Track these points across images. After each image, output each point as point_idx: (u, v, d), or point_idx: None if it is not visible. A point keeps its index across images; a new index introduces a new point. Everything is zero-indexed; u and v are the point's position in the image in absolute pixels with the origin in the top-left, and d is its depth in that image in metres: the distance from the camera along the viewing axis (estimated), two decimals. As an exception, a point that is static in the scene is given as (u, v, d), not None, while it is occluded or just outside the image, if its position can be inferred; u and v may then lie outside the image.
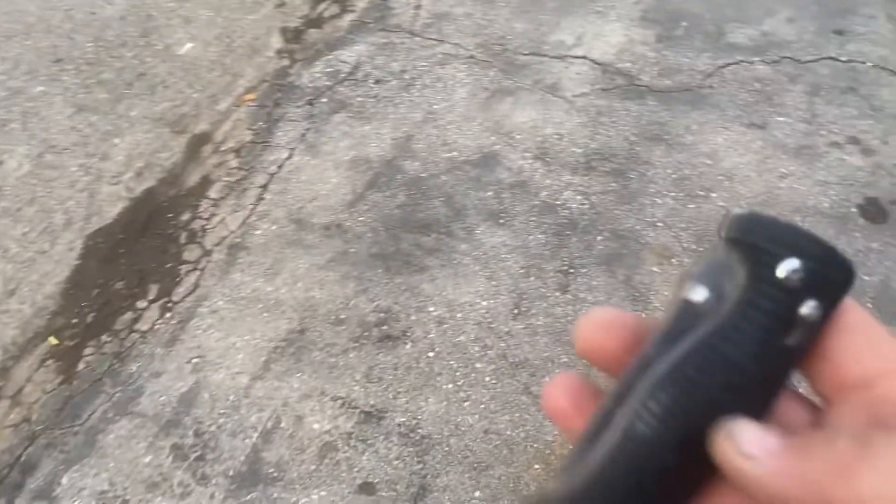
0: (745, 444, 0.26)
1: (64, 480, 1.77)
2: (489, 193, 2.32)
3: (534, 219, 2.24)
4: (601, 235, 2.18)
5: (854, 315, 0.28)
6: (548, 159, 2.41)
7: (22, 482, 1.77)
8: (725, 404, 0.27)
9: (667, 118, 2.51)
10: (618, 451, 0.27)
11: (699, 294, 0.29)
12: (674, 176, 2.32)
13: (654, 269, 2.09)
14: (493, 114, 2.59)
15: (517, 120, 2.56)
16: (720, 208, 2.21)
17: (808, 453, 0.26)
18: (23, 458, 1.81)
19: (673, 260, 2.10)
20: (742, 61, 2.69)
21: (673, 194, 2.27)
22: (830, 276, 0.27)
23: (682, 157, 2.37)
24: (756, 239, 0.27)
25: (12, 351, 2.04)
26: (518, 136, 2.50)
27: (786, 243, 0.27)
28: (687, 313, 0.29)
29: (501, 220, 2.24)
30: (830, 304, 0.27)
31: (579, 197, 2.29)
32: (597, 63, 2.75)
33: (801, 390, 0.29)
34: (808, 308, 0.26)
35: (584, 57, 2.77)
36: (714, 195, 2.25)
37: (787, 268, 0.27)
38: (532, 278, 2.09)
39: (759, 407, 0.28)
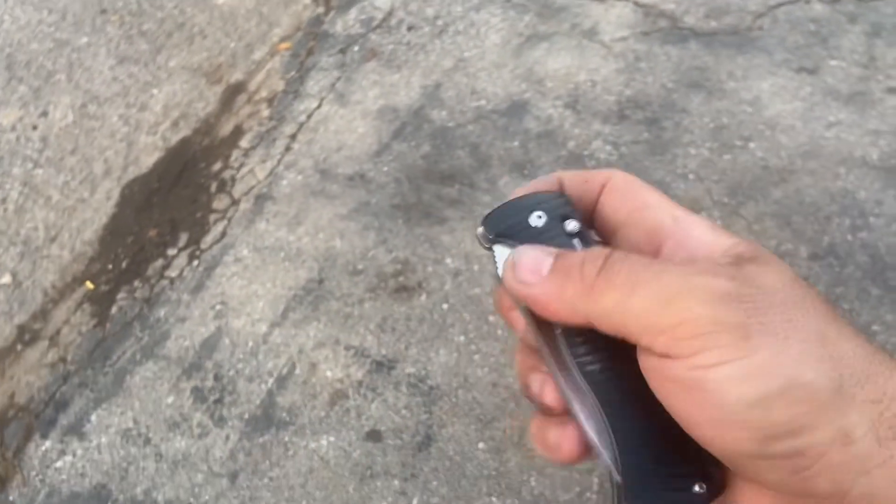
0: (521, 272, 0.34)
1: (93, 418, 1.88)
2: (515, 143, 2.26)
3: (559, 169, 2.17)
4: (628, 188, 2.10)
5: (615, 179, 0.38)
6: (578, 108, 2.32)
7: (55, 418, 1.88)
8: None
9: (709, 63, 2.37)
10: None
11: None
12: (711, 125, 2.20)
13: (682, 223, 2.00)
14: (526, 60, 2.50)
15: (550, 67, 2.47)
16: (758, 159, 2.09)
17: (566, 277, 0.33)
18: (57, 396, 1.93)
19: (702, 213, 2.00)
20: (798, 0, 2.49)
21: (708, 144, 2.15)
22: (557, 205, 0.38)
23: (721, 105, 2.24)
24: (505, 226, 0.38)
25: (52, 294, 2.16)
26: (549, 84, 2.41)
27: (529, 207, 0.38)
28: None
29: (526, 172, 2.19)
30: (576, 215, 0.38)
31: (608, 147, 2.20)
32: (639, 4, 2.60)
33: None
34: (570, 225, 0.37)
35: (625, -2, 2.63)
36: (752, 145, 2.12)
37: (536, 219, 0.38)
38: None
39: None
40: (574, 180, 0.39)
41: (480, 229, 0.39)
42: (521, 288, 0.34)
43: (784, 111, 2.18)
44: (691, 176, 2.09)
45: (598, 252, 0.33)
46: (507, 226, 0.38)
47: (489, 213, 0.38)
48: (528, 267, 0.34)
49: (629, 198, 0.37)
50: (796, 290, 0.31)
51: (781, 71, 2.28)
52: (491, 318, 1.90)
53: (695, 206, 2.02)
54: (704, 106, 2.24)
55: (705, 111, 2.23)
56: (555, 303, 0.33)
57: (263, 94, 2.63)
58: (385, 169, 2.28)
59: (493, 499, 1.64)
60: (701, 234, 0.35)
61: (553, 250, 0.35)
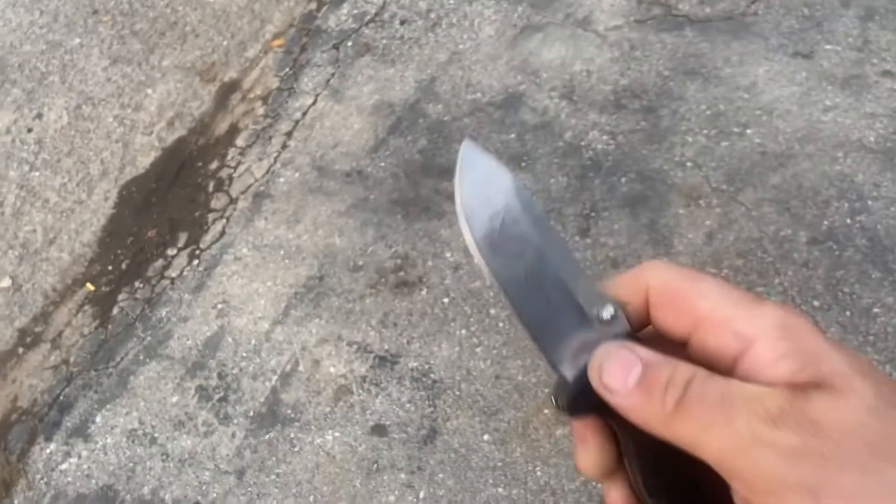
0: (609, 377, 0.34)
1: (98, 419, 1.88)
2: (512, 136, 2.26)
3: (556, 161, 2.17)
4: (626, 177, 2.10)
5: (654, 287, 0.37)
6: (574, 98, 2.32)
7: (60, 420, 1.89)
8: None
9: (705, 50, 2.37)
10: None
11: None
12: (708, 112, 2.20)
13: (681, 210, 2.01)
14: (521, 52, 2.50)
15: (545, 57, 2.46)
16: (756, 145, 2.09)
17: (650, 397, 0.33)
18: (61, 398, 1.93)
19: (701, 201, 2.01)
20: (791, -15, 2.49)
21: (706, 132, 2.16)
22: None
23: (718, 92, 2.24)
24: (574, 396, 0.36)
25: (52, 297, 2.16)
26: (545, 75, 2.41)
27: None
28: None
29: (523, 164, 2.19)
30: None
31: (605, 137, 2.21)
32: (632, -7, 2.59)
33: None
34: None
35: (619, -13, 2.63)
36: (750, 131, 2.12)
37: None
38: (552, 222, 2.04)
39: None
40: (619, 288, 0.39)
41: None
42: (604, 393, 0.35)
43: (781, 96, 2.18)
44: (689, 164, 2.09)
45: (682, 376, 0.33)
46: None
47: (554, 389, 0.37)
48: (616, 374, 0.34)
49: (680, 314, 0.36)
50: (872, 429, 0.28)
51: (777, 56, 2.28)
52: (492, 311, 1.90)
53: (693, 194, 2.03)
54: (701, 93, 2.24)
55: (702, 98, 2.23)
56: (634, 416, 0.34)
57: (258, 91, 2.63)
58: (382, 164, 2.28)
59: (500, 489, 1.65)
60: (764, 354, 0.32)
61: (640, 355, 0.34)
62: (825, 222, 1.92)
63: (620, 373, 0.34)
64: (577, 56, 2.44)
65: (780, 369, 0.31)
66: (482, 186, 0.38)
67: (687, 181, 2.06)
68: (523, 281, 0.37)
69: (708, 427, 0.31)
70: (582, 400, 0.35)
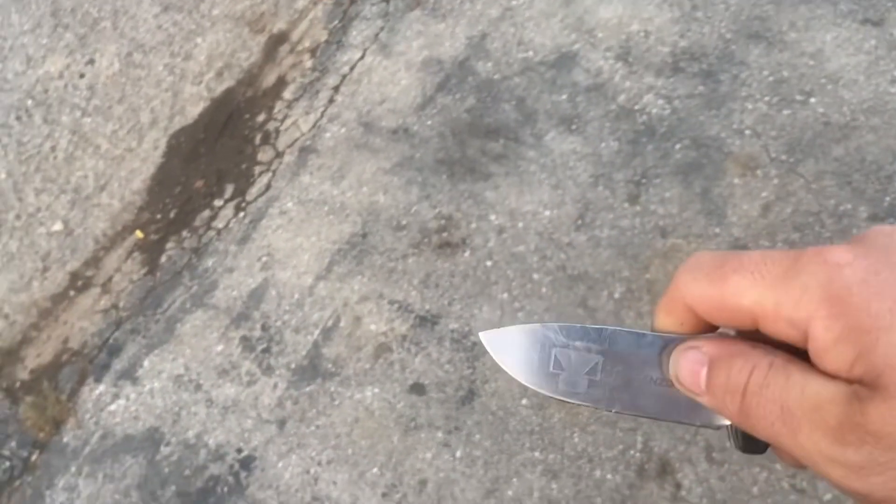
0: (685, 382, 0.35)
1: (145, 363, 1.93)
2: (563, 97, 2.21)
3: (608, 125, 2.12)
4: (680, 144, 2.04)
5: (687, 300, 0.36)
6: (630, 59, 2.25)
7: (109, 363, 1.94)
8: None
9: (770, 13, 2.26)
10: None
11: None
12: (770, 78, 2.11)
13: (736, 180, 1.94)
14: (576, 9, 2.42)
15: (602, 15, 2.38)
16: (819, 115, 2.00)
17: (722, 401, 0.33)
18: (110, 342, 1.99)
19: (758, 171, 1.95)
20: (868, -56, 2.35)
21: (767, 99, 2.07)
22: None
23: (782, 58, 2.14)
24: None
25: (103, 242, 2.20)
26: (600, 35, 2.33)
27: None
28: None
29: (573, 126, 2.14)
30: None
31: (661, 101, 2.14)
32: (696, -50, 2.48)
33: None
34: None
35: (682, -57, 2.51)
36: (813, 100, 2.03)
37: None
38: (600, 188, 2.00)
39: None
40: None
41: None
42: (692, 396, 0.35)
43: (847, 65, 2.08)
44: (748, 132, 2.01)
45: (737, 378, 0.32)
46: None
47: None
48: (689, 378, 0.35)
49: (733, 318, 0.34)
50: None
51: (846, 22, 2.17)
52: (535, 276, 1.88)
53: (750, 164, 1.96)
54: (764, 58, 2.15)
55: (765, 63, 2.13)
56: (725, 415, 0.34)
57: (306, 44, 2.60)
58: (429, 123, 2.25)
59: (536, 454, 1.65)
60: (821, 337, 0.30)
61: (706, 351, 0.34)
62: (887, 198, 1.84)
63: (692, 375, 0.34)
64: (634, 15, 2.35)
65: (837, 357, 0.29)
66: (523, 358, 0.39)
67: (744, 150, 1.99)
68: (624, 391, 0.37)
69: (775, 438, 0.31)
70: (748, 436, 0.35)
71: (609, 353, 0.37)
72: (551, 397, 0.38)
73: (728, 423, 0.35)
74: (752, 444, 0.35)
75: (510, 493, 1.62)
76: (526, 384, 0.38)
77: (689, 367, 0.34)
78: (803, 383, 0.30)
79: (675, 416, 0.37)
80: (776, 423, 0.30)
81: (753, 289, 0.31)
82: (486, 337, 0.39)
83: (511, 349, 0.39)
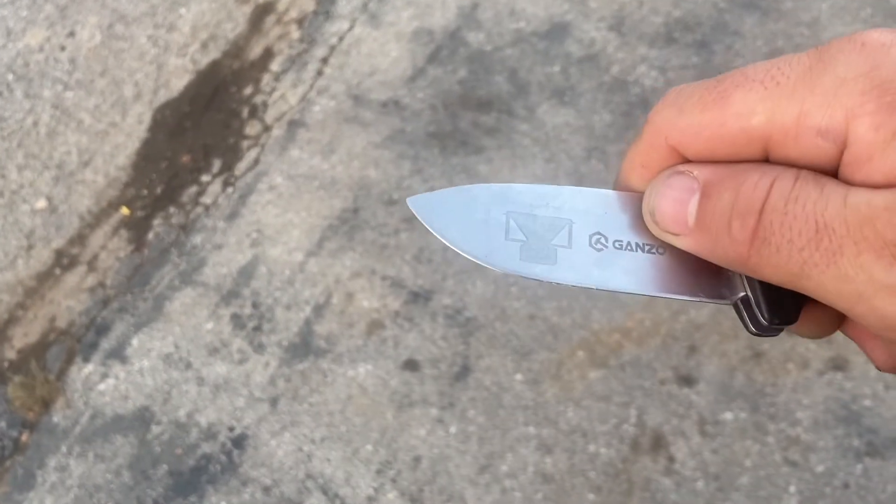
0: (664, 221, 0.27)
1: (134, 342, 1.91)
2: (556, 69, 2.17)
3: (601, 97, 2.09)
4: (674, 116, 2.01)
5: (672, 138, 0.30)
6: (623, 30, 2.21)
7: (97, 342, 1.92)
8: None
9: (765, -19, 2.22)
10: None
11: None
12: (765, 49, 2.08)
13: (730, 154, 1.93)
14: (568, -22, 2.37)
15: (594, -15, 2.34)
16: (814, 87, 1.98)
17: (716, 238, 0.26)
18: (98, 320, 1.96)
19: (752, 144, 1.93)
20: (865, -89, 2.31)
21: (761, 70, 2.05)
22: None
23: (777, 27, 2.12)
24: None
25: (88, 219, 2.16)
26: (593, 4, 2.29)
27: None
28: None
29: (566, 98, 2.10)
30: None
31: (654, 73, 2.11)
32: (690, -83, 2.43)
33: None
34: None
35: None
36: (809, 72, 2.01)
37: None
38: (594, 161, 1.98)
39: None
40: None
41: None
42: (669, 238, 0.27)
43: (844, 34, 2.04)
44: (741, 104, 1.99)
45: (749, 196, 0.25)
46: None
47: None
48: (670, 212, 0.27)
49: (736, 147, 0.27)
50: None
51: (843, -10, 2.14)
52: (529, 250, 1.87)
53: (744, 136, 1.94)
54: (758, 28, 2.12)
55: (759, 33, 2.11)
56: (715, 260, 0.27)
57: (293, 14, 2.54)
58: (420, 95, 2.21)
59: (531, 429, 1.65)
60: (865, 137, 0.23)
61: (697, 175, 0.26)
62: (883, 171, 1.84)
63: (676, 205, 0.27)
64: (628, -15, 2.31)
65: (888, 161, 0.22)
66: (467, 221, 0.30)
67: (738, 122, 1.97)
68: (603, 263, 0.30)
69: (803, 269, 0.23)
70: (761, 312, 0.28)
71: (579, 216, 0.30)
72: (513, 274, 0.29)
73: (740, 294, 0.28)
74: (776, 311, 0.27)
75: (504, 468, 1.62)
76: (478, 261, 0.30)
77: (674, 194, 0.27)
78: (845, 193, 0.23)
79: (669, 289, 0.29)
80: (806, 249, 0.23)
81: (766, 101, 0.25)
82: (415, 203, 0.31)
83: (455, 217, 0.30)
